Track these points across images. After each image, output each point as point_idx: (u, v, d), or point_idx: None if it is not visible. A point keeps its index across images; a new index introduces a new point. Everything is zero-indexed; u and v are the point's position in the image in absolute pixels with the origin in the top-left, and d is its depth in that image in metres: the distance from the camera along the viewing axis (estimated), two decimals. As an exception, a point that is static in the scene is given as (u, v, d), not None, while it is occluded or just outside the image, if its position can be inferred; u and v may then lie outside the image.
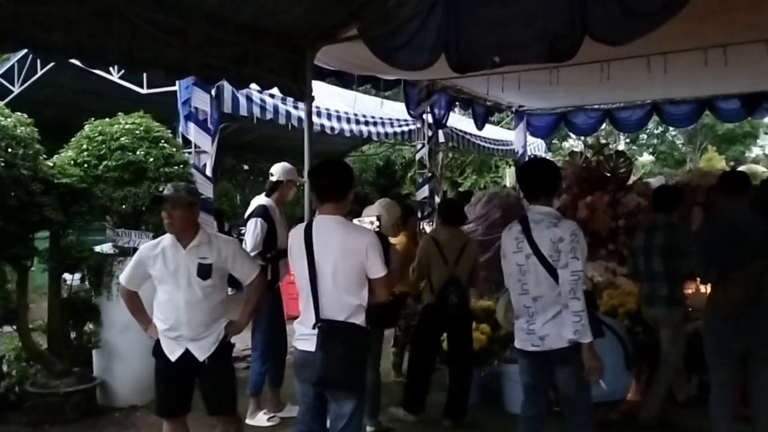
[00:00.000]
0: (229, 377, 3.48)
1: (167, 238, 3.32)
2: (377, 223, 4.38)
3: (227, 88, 5.93)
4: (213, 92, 5.86)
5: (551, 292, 3.18)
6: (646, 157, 22.15)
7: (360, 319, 2.92)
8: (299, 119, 6.57)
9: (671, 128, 18.93)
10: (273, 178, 4.77)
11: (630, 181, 6.64)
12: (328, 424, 3.04)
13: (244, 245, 4.84)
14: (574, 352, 3.17)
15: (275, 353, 4.92)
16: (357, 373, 2.94)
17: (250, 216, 4.65)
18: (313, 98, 5.20)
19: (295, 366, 3.07)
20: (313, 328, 2.87)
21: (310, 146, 5.14)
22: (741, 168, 17.78)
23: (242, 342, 6.66)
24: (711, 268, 3.81)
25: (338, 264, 2.88)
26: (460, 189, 13.25)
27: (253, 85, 5.43)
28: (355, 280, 2.90)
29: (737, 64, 5.90)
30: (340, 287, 2.89)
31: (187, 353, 3.29)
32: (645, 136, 22.12)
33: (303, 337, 2.95)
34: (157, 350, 3.37)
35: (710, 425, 3.92)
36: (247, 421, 4.77)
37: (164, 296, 3.32)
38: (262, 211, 4.62)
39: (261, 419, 4.70)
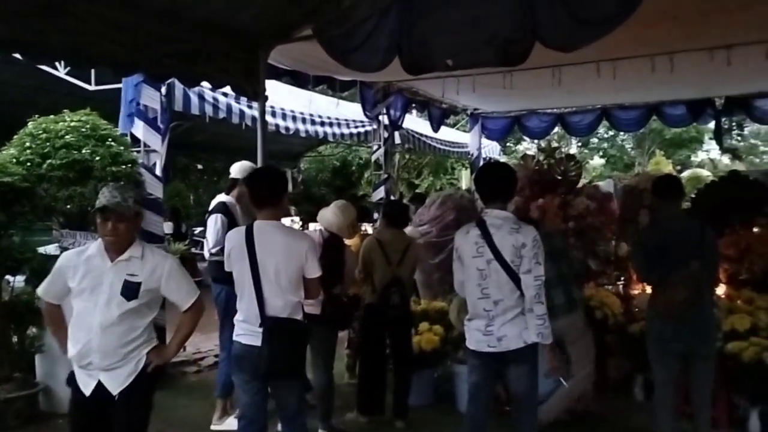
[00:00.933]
0: (144, 417, 2.94)
1: (94, 247, 2.86)
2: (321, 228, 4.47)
3: (178, 86, 5.81)
4: (163, 90, 5.74)
5: (512, 295, 3.25)
6: (597, 161, 22.69)
7: (299, 315, 3.28)
8: (253, 119, 6.49)
9: (621, 132, 19.39)
10: (231, 176, 4.90)
11: (580, 184, 6.76)
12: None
13: (205, 243, 4.83)
14: (530, 352, 3.27)
15: None
16: (301, 364, 3.34)
17: (211, 213, 4.73)
18: (266, 98, 5.14)
19: (236, 360, 3.27)
20: (260, 326, 3.13)
21: (263, 146, 5.08)
22: (686, 172, 18.43)
23: (193, 345, 6.59)
24: (652, 272, 3.92)
25: (280, 266, 3.18)
26: (417, 190, 13.31)
27: (206, 84, 5.35)
28: (295, 280, 3.22)
29: (683, 71, 6.06)
30: (283, 287, 3.18)
31: (100, 386, 2.80)
32: (596, 140, 22.67)
33: (247, 332, 3.19)
34: (71, 380, 2.87)
35: (654, 423, 4.05)
36: (213, 427, 4.70)
37: (78, 315, 2.83)
38: (222, 208, 4.74)
39: (231, 423, 4.60)
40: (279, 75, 6.16)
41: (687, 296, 3.66)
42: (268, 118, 6.71)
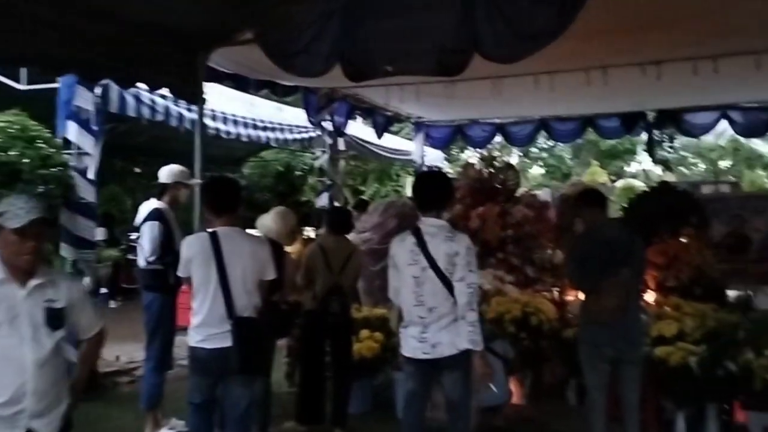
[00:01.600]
0: None
1: None
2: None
3: (114, 87, 5.64)
4: (98, 91, 5.56)
5: (446, 302, 3.30)
6: (537, 170, 23.27)
7: (256, 314, 3.48)
8: (192, 122, 6.35)
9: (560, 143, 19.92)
10: (160, 181, 4.75)
11: (518, 193, 6.91)
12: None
13: (139, 251, 4.68)
14: (463, 359, 3.31)
15: (168, 364, 4.76)
16: (266, 359, 3.82)
17: (146, 220, 4.57)
18: (205, 101, 5.04)
19: (201, 364, 3.39)
20: (230, 326, 3.29)
21: (202, 150, 4.98)
22: (620, 182, 19.11)
23: (126, 355, 6.39)
24: (584, 279, 4.05)
25: (247, 269, 3.39)
26: (362, 197, 13.32)
27: (144, 85, 5.21)
28: (258, 282, 3.47)
29: (616, 85, 6.26)
30: (248, 289, 3.40)
31: None
32: (536, 150, 23.23)
33: (211, 336, 3.33)
34: None
35: (586, 426, 4.16)
36: None
37: None
38: (158, 215, 4.60)
39: None
40: (220, 78, 6.06)
41: (618, 303, 3.79)
42: (208, 121, 6.60)
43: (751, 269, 7.38)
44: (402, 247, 3.41)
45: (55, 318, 2.47)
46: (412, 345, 3.40)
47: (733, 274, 6.69)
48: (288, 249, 4.70)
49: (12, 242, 2.38)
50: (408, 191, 14.68)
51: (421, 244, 3.31)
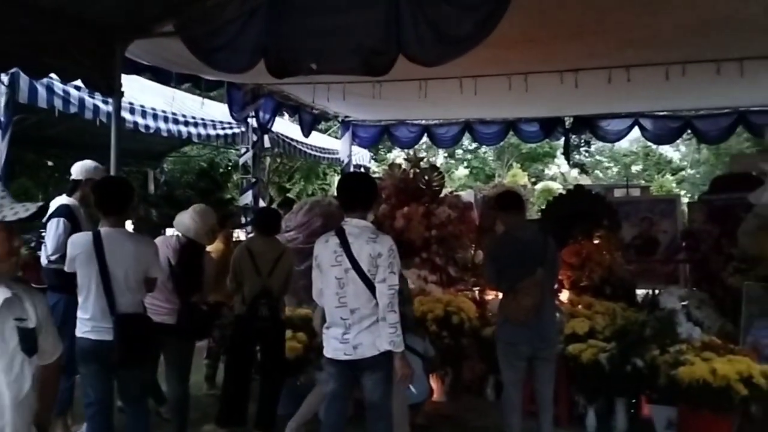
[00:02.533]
0: None
1: None
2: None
3: (24, 76, 5.32)
4: (5, 80, 5.23)
5: (368, 304, 3.31)
6: (462, 171, 23.73)
7: (141, 309, 3.63)
8: (108, 115, 6.08)
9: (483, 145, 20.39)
10: (72, 177, 4.55)
11: (442, 194, 7.03)
12: None
13: (43, 248, 4.44)
14: (384, 360, 3.33)
15: (76, 368, 4.53)
16: (149, 353, 3.77)
17: (51, 216, 4.32)
18: (122, 94, 4.84)
19: (85, 354, 3.49)
20: (114, 323, 3.39)
21: (117, 144, 4.76)
22: (539, 184, 19.78)
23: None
24: (501, 279, 4.17)
25: (130, 270, 3.49)
26: (288, 195, 13.17)
27: (56, 75, 4.95)
28: (141, 280, 3.58)
29: (536, 90, 6.48)
30: (131, 288, 3.50)
31: None
32: (461, 151, 23.69)
33: (96, 329, 3.44)
34: None
35: (503, 421, 4.28)
36: None
37: None
38: (65, 211, 4.38)
39: None
40: (139, 70, 5.84)
41: (533, 302, 3.93)
42: (126, 115, 6.34)
43: (658, 269, 7.84)
44: (326, 248, 3.40)
45: (28, 339, 1.96)
46: (333, 346, 3.40)
47: (642, 274, 7.08)
48: (211, 248, 4.59)
49: None
50: (335, 190, 14.65)
51: (345, 245, 3.31)
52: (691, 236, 6.48)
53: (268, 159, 14.06)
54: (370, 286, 3.28)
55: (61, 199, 4.50)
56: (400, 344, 3.30)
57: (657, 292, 5.85)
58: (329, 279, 3.37)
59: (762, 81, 6.00)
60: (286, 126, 10.30)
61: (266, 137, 8.53)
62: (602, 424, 4.87)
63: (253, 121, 7.94)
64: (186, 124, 7.59)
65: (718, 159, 19.69)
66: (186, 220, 4.25)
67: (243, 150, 8.28)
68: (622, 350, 4.66)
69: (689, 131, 8.95)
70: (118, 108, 4.84)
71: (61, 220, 4.29)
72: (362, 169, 13.11)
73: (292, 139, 9.64)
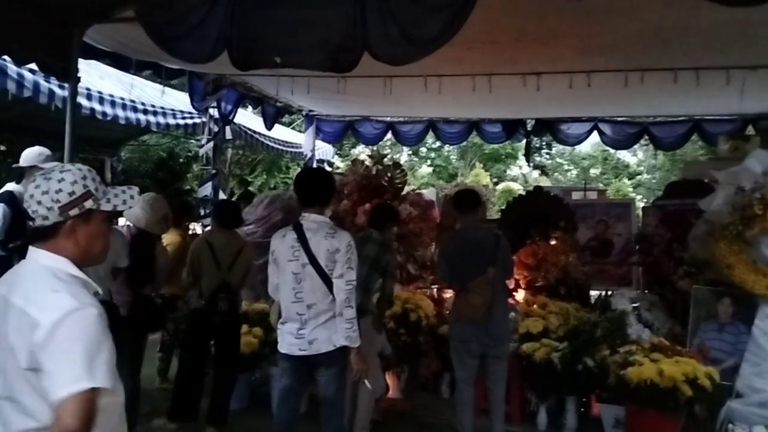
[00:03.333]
0: None
1: None
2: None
3: (-26, 57, 5.13)
4: (-46, 60, 5.04)
5: (325, 299, 3.30)
6: (425, 169, 23.86)
7: (109, 297, 3.66)
8: (64, 100, 5.91)
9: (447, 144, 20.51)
10: (21, 164, 4.51)
11: (404, 192, 7.05)
12: None
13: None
14: (339, 355, 3.34)
15: None
16: (118, 342, 3.68)
17: None
18: (78, 79, 4.71)
19: None
20: None
21: (72, 131, 4.62)
22: (501, 185, 20.01)
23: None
24: (454, 278, 4.22)
25: None
26: (249, 188, 13.02)
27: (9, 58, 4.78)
28: (110, 269, 3.63)
29: (499, 92, 6.53)
30: (101, 276, 3.42)
31: None
32: (425, 150, 23.81)
33: None
34: None
35: (456, 418, 4.33)
36: None
37: None
38: (8, 198, 4.37)
39: None
40: (98, 56, 5.68)
41: (483, 301, 3.98)
42: (83, 101, 6.17)
43: (612, 271, 8.02)
44: (283, 243, 3.38)
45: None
46: (288, 341, 3.39)
47: (596, 275, 7.23)
48: (166, 241, 4.50)
49: None
50: (293, 185, 14.54)
51: (302, 240, 3.30)
52: (645, 240, 6.64)
53: (230, 151, 13.87)
54: (328, 282, 3.28)
55: (8, 186, 4.44)
56: (357, 339, 3.31)
57: (609, 293, 5.99)
58: (286, 274, 3.35)
59: (716, 91, 6.18)
60: (248, 118, 10.17)
61: (228, 128, 8.41)
62: (553, 422, 4.98)
63: (214, 112, 7.82)
64: (145, 112, 7.42)
65: (673, 165, 20.23)
66: (136, 209, 4.14)
67: (203, 141, 8.14)
68: (574, 350, 4.77)
69: (646, 137, 9.18)
70: (74, 93, 4.71)
71: (1, 205, 4.25)
72: (326, 165, 13.07)
73: (254, 132, 9.52)
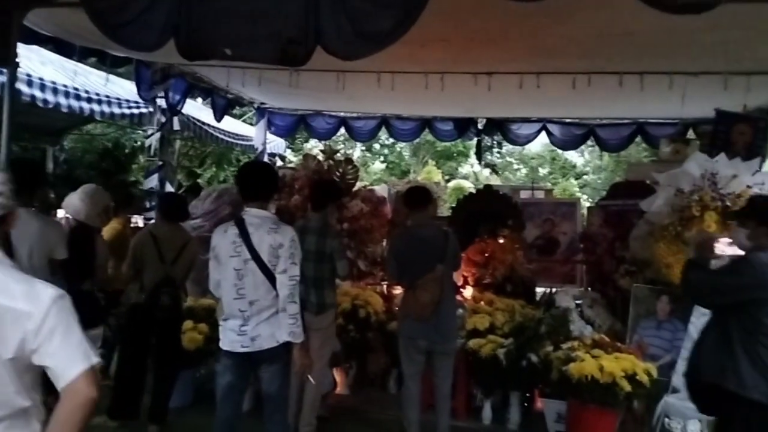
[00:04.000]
0: None
1: None
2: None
3: None
4: None
5: (267, 295, 3.26)
6: (378, 165, 23.90)
7: None
8: (2, 86, 5.66)
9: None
10: None
11: (356, 187, 7.03)
12: None
13: None
14: (282, 352, 3.31)
15: None
16: None
17: None
18: (17, 65, 4.52)
19: None
20: None
21: (10, 119, 4.43)
22: (452, 182, 20.21)
23: None
24: (403, 275, 4.24)
25: (34, 248, 3.56)
26: (198, 181, 12.77)
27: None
28: (46, 261, 3.62)
29: (451, 91, 6.59)
30: (35, 267, 3.47)
31: None
32: (378, 146, 23.84)
33: None
34: None
35: (402, 414, 4.35)
36: None
37: None
38: None
39: None
40: (39, 41, 5.48)
41: (432, 298, 4.01)
42: (23, 87, 5.93)
43: (557, 269, 8.21)
44: (224, 239, 3.32)
45: None
46: (230, 338, 3.34)
47: (542, 273, 7.39)
48: (105, 233, 4.37)
49: None
50: (234, 179, 14.34)
51: (244, 235, 3.24)
52: (588, 239, 6.81)
53: (178, 142, 13.57)
54: (270, 277, 3.24)
55: None
56: (300, 335, 3.29)
57: (554, 290, 6.12)
58: (227, 270, 3.29)
59: (659, 95, 6.39)
60: (197, 109, 9.96)
61: (176, 119, 8.22)
62: (497, 416, 5.06)
63: (162, 102, 7.64)
64: (89, 100, 7.17)
65: (618, 166, 20.83)
66: (75, 201, 4.01)
67: (150, 131, 7.95)
68: (519, 346, 4.86)
69: (592, 138, 9.43)
70: (12, 79, 4.53)
71: None
72: (277, 159, 12.93)
73: (203, 123, 9.33)
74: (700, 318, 4.52)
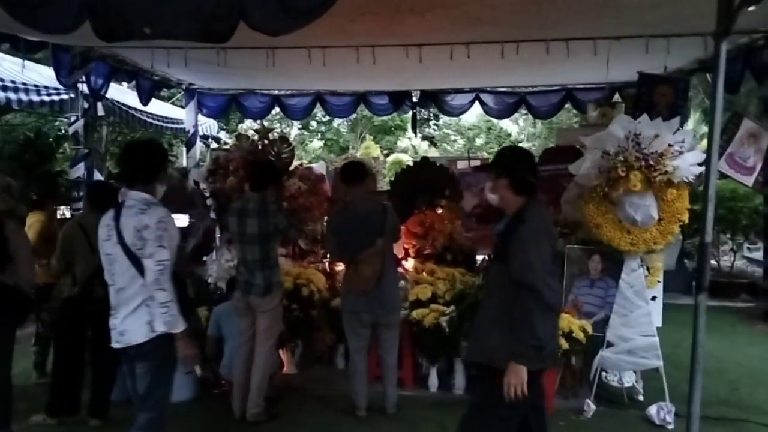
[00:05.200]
0: None
1: None
2: None
3: None
4: None
5: (134, 283, 2.99)
6: (316, 143, 23.66)
7: None
8: None
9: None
10: None
11: (293, 166, 6.96)
12: None
13: None
14: (152, 347, 3.01)
15: None
16: None
17: None
18: None
19: None
20: None
21: None
22: (391, 156, 20.26)
23: None
24: (343, 251, 4.25)
25: None
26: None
27: None
28: None
29: (384, 64, 6.56)
30: None
31: None
32: (315, 123, 23.58)
33: None
34: None
35: (349, 387, 4.40)
36: None
37: None
38: None
39: None
40: (-56, 26, 5.14)
41: (373, 272, 4.05)
42: (-71, 76, 5.58)
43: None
44: (102, 222, 3.12)
45: None
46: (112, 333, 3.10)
47: (481, 240, 7.51)
48: (30, 223, 4.18)
49: None
50: (185, 161, 13.98)
51: (117, 218, 3.03)
52: (524, 204, 6.94)
53: (105, 128, 13.08)
54: (136, 263, 2.97)
55: None
56: (177, 324, 2.99)
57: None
58: (102, 256, 3.09)
59: (584, 61, 6.54)
60: (123, 93, 9.60)
61: (99, 105, 7.92)
62: (443, 383, 5.17)
63: (84, 87, 7.32)
64: (4, 89, 6.79)
65: (550, 133, 21.29)
66: None
67: (73, 118, 7.62)
68: (461, 313, 4.95)
69: (524, 106, 9.61)
70: None
71: None
72: (211, 140, 12.63)
73: (129, 107, 9.00)
74: (630, 274, 4.73)
